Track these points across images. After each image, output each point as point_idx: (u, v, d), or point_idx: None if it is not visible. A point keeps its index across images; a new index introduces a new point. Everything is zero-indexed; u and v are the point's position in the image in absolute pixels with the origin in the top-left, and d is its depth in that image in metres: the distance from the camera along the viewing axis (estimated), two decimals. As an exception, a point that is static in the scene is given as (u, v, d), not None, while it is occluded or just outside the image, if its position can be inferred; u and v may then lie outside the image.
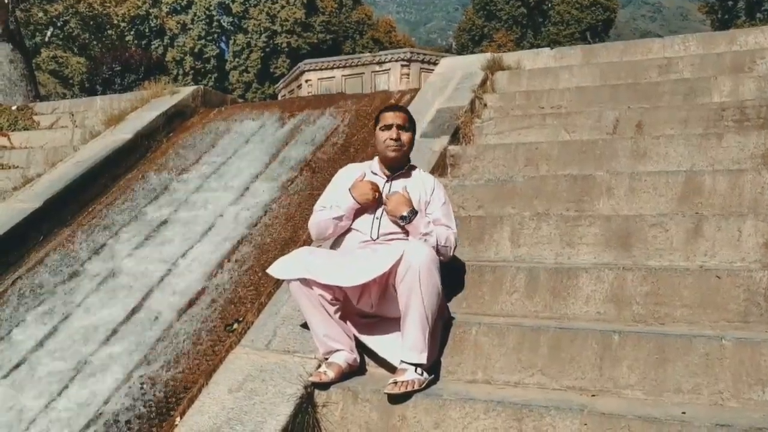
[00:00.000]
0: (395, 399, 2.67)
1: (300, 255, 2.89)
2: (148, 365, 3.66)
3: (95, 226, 5.25)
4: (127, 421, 3.32)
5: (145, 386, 3.50)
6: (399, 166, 3.16)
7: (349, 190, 3.03)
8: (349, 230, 3.08)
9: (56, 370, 3.79)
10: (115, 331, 4.02)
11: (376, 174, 3.17)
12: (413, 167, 3.23)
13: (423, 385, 2.71)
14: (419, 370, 2.72)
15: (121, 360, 3.75)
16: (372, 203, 3.01)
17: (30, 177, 5.82)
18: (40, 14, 23.08)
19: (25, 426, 3.43)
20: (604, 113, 4.74)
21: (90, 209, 5.58)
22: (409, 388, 2.66)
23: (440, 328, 2.94)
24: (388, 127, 3.09)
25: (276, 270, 2.91)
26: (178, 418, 3.08)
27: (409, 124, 3.15)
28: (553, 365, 2.79)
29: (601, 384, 2.71)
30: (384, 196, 3.03)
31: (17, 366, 3.91)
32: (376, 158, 3.21)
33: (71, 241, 5.12)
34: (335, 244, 3.15)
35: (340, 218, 3.03)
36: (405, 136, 3.10)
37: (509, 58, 6.16)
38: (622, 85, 5.16)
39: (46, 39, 24.95)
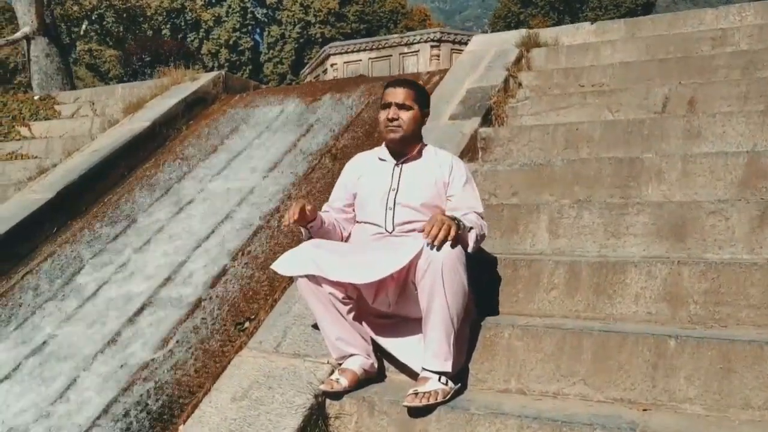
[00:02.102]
0: (416, 412, 2.36)
1: (307, 248, 2.57)
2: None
3: (110, 218, 5.03)
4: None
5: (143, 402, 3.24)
6: (406, 149, 2.79)
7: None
8: (361, 223, 2.77)
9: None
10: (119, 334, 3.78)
11: (384, 160, 2.82)
12: (426, 147, 2.86)
13: (447, 397, 2.39)
14: (443, 378, 2.40)
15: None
16: (297, 220, 2.60)
17: (45, 167, 5.66)
18: (75, 8, 23.21)
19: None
20: (652, 90, 4.34)
21: (106, 199, 5.38)
22: (432, 400, 2.33)
23: (467, 330, 2.60)
24: (387, 106, 2.73)
25: (281, 265, 2.60)
26: (180, 426, 2.81)
27: (414, 101, 2.74)
28: (598, 374, 2.44)
29: (654, 396, 2.35)
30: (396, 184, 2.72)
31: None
32: (384, 144, 2.86)
33: (84, 232, 4.91)
34: (348, 238, 2.83)
35: (308, 237, 2.71)
36: (405, 115, 2.71)
37: (546, 34, 5.76)
38: (671, 60, 4.74)
39: (81, 32, 25.14)
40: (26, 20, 11.56)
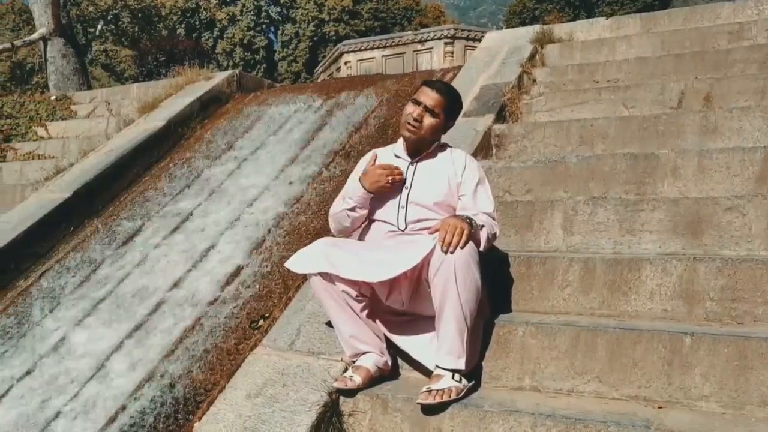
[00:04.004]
0: (429, 409, 2.35)
1: (320, 246, 2.56)
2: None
3: (126, 217, 5.06)
4: None
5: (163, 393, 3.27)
6: (421, 148, 2.76)
7: (360, 178, 2.70)
8: (372, 221, 2.76)
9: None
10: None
11: (399, 157, 2.80)
12: (442, 146, 2.83)
13: (461, 394, 2.38)
14: (457, 376, 2.39)
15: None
16: (387, 189, 2.66)
17: (62, 167, 5.70)
18: (91, 9, 23.38)
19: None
20: (668, 85, 4.30)
21: (121, 198, 5.42)
22: (445, 398, 2.32)
23: (481, 328, 2.59)
24: (416, 104, 2.70)
25: (294, 263, 2.60)
26: (196, 423, 2.83)
27: (443, 110, 2.70)
28: (613, 371, 2.42)
29: (670, 394, 2.33)
30: (407, 179, 2.71)
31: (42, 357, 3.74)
32: (401, 139, 2.83)
33: (100, 231, 4.94)
34: (360, 236, 2.83)
35: (352, 209, 2.70)
36: (428, 121, 2.68)
37: (560, 29, 5.72)
38: (687, 55, 4.70)
39: (97, 33, 25.33)
40: (43, 21, 11.67)
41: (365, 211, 2.72)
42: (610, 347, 2.44)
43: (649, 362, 2.37)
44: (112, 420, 3.17)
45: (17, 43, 13.57)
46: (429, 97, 2.69)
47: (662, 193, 3.44)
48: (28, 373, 3.69)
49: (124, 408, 3.21)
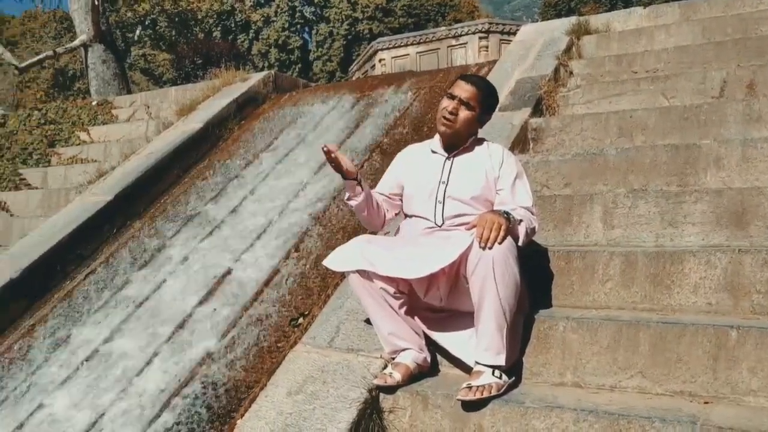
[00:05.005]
0: (470, 406, 2.34)
1: (358, 244, 2.57)
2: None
3: (166, 218, 5.15)
4: None
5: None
6: (457, 142, 2.75)
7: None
8: (409, 217, 2.75)
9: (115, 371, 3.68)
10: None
11: (435, 152, 2.79)
12: (479, 141, 2.81)
13: (501, 390, 2.37)
14: (497, 372, 2.38)
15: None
16: (338, 169, 2.65)
17: (104, 170, 5.82)
18: (129, 14, 23.82)
19: None
20: (709, 74, 4.19)
21: (162, 200, 5.50)
22: (485, 394, 2.31)
23: (521, 323, 2.57)
24: (452, 97, 2.69)
25: (333, 261, 2.61)
26: (239, 419, 2.87)
27: (478, 102, 2.68)
28: (656, 366, 2.38)
29: (716, 389, 2.28)
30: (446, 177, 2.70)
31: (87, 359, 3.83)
32: (437, 135, 2.82)
33: (142, 233, 5.04)
34: (397, 232, 2.83)
35: (348, 199, 2.73)
36: (463, 114, 2.67)
37: (597, 20, 5.63)
38: (729, 42, 4.57)
39: (136, 38, 25.81)
40: (83, 28, 11.93)
41: (360, 199, 2.71)
42: (654, 342, 2.40)
43: (694, 357, 2.32)
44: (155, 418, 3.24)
45: (59, 50, 13.90)
46: (464, 90, 2.68)
47: (705, 184, 3.36)
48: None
49: (159, 416, 3.26)
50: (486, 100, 2.73)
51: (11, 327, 4.39)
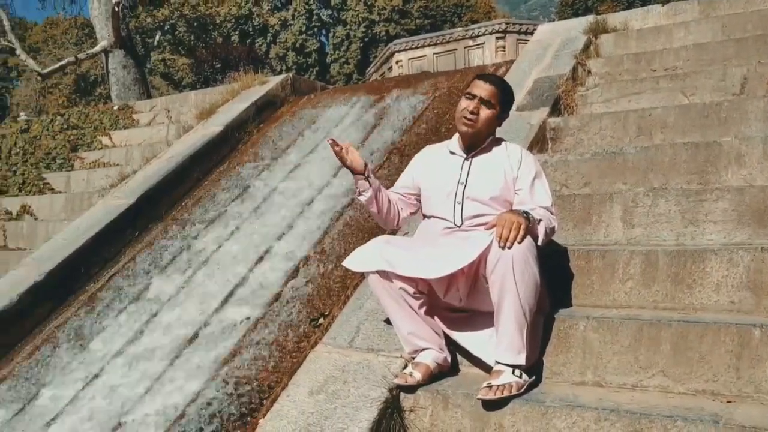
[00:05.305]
0: (490, 405, 2.35)
1: (377, 245, 2.59)
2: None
3: (187, 220, 5.20)
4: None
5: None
6: (477, 142, 2.74)
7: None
8: (428, 217, 2.76)
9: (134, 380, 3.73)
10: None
11: (454, 153, 2.79)
12: (497, 141, 2.80)
13: (522, 389, 2.37)
14: (517, 372, 2.38)
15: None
16: (343, 162, 2.70)
17: (126, 174, 5.89)
18: (149, 20, 24.05)
19: None
20: (729, 71, 4.16)
21: (183, 203, 5.56)
22: (506, 393, 2.32)
23: (541, 323, 2.57)
24: (471, 97, 2.69)
25: (352, 262, 2.63)
26: (261, 419, 2.89)
27: (497, 101, 2.69)
28: (678, 365, 2.37)
29: (739, 388, 2.26)
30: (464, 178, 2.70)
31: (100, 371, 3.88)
32: (456, 135, 2.83)
33: (164, 235, 5.09)
34: (416, 233, 2.84)
35: (359, 194, 2.77)
36: (484, 113, 2.67)
37: (615, 19, 5.60)
38: (749, 38, 4.53)
39: (155, 43, 26.06)
40: (104, 34, 12.09)
41: (369, 195, 2.73)
42: (675, 341, 2.39)
43: (716, 356, 2.31)
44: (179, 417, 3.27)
45: (80, 56, 14.10)
46: (483, 89, 2.68)
47: (726, 182, 3.33)
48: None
49: (182, 416, 3.30)
50: (505, 98, 2.74)
51: (37, 329, 4.46)
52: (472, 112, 2.65)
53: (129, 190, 5.49)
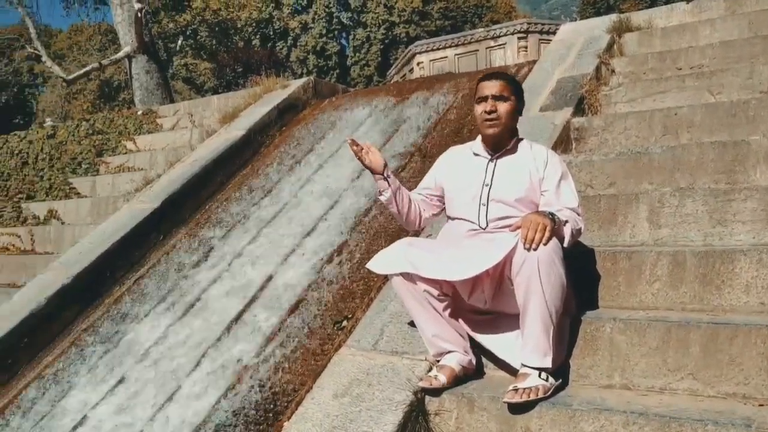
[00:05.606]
0: (516, 408, 2.33)
1: (400, 247, 2.58)
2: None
3: (212, 223, 5.23)
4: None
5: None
6: (502, 143, 2.72)
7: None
8: (453, 219, 2.75)
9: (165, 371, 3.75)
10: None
11: (478, 155, 2.77)
12: (521, 142, 2.78)
13: (548, 392, 2.35)
14: (543, 374, 2.36)
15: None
16: (361, 161, 2.73)
17: (150, 178, 5.94)
18: (171, 25, 24.30)
19: None
20: (757, 68, 4.09)
21: (207, 207, 5.60)
22: (532, 396, 2.30)
23: (567, 325, 2.55)
24: (483, 99, 2.67)
25: (376, 264, 2.62)
26: (285, 422, 2.90)
27: (510, 92, 2.68)
28: (708, 368, 2.33)
29: (771, 391, 2.22)
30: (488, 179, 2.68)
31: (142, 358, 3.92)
32: (479, 137, 2.81)
33: (188, 238, 5.13)
34: (441, 235, 2.82)
35: (380, 193, 2.79)
36: (503, 107, 2.65)
37: (638, 17, 5.54)
38: (777, 35, 4.45)
39: (177, 48, 26.32)
40: (127, 40, 12.23)
41: (388, 195, 2.76)
42: (704, 343, 2.35)
43: (747, 358, 2.27)
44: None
45: (104, 62, 14.26)
46: (491, 87, 2.68)
47: (755, 182, 3.28)
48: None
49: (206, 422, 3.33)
50: (515, 88, 2.73)
51: (65, 331, 4.51)
52: (491, 112, 2.64)
53: (153, 194, 5.54)
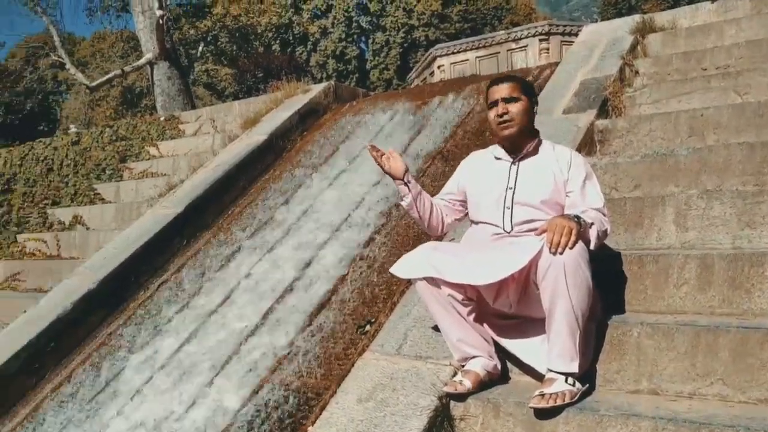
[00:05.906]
0: (543, 413, 2.31)
1: (424, 251, 2.57)
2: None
3: (235, 229, 5.26)
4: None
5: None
6: (522, 145, 2.71)
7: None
8: (477, 224, 2.73)
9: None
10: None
11: (499, 158, 2.76)
12: (543, 143, 2.76)
13: (575, 398, 2.32)
14: (570, 379, 2.34)
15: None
16: (383, 167, 2.75)
17: (173, 183, 5.99)
18: (192, 32, 24.50)
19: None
20: (784, 68, 4.03)
21: (230, 212, 5.63)
22: (559, 402, 2.28)
23: (593, 329, 2.52)
24: (494, 104, 2.67)
25: (400, 269, 2.61)
26: (309, 427, 2.90)
27: (520, 92, 2.66)
28: (738, 373, 2.29)
29: (804, 397, 2.18)
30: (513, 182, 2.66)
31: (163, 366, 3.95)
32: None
33: (213, 243, 5.16)
34: (465, 239, 2.81)
35: (401, 199, 2.80)
36: (515, 108, 2.64)
37: (662, 17, 5.48)
38: (806, 34, 4.38)
39: (198, 54, 26.54)
40: (149, 47, 12.37)
41: (409, 200, 2.77)
42: (734, 348, 2.31)
43: (779, 363, 2.23)
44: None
45: (126, 69, 14.43)
46: (500, 90, 2.68)
47: (784, 183, 3.23)
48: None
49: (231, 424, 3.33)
50: (524, 87, 2.71)
51: (90, 335, 4.56)
52: (503, 115, 2.64)
53: (177, 200, 5.58)
